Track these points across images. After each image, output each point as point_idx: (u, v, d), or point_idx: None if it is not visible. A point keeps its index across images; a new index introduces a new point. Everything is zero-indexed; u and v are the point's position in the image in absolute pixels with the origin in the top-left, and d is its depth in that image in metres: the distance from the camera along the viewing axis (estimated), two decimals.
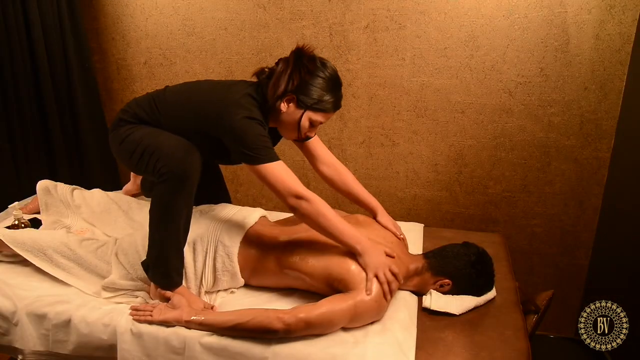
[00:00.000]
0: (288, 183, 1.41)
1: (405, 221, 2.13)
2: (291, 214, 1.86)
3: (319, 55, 1.49)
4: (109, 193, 1.99)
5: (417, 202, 2.36)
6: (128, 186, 2.12)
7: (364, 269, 1.38)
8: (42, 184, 1.94)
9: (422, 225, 2.06)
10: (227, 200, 1.88)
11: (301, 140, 1.67)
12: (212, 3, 2.32)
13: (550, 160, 2.14)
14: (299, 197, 1.40)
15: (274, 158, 1.42)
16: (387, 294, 1.37)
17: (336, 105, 1.49)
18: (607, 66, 1.97)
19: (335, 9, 2.18)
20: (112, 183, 2.52)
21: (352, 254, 1.42)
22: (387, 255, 1.45)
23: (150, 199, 1.98)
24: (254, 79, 1.55)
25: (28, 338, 1.48)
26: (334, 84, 1.47)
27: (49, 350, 1.48)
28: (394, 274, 1.39)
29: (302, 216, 1.43)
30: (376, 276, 1.37)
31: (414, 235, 1.93)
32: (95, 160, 2.51)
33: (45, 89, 2.26)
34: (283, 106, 1.46)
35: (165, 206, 1.46)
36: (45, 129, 2.32)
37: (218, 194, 1.85)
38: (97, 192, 1.98)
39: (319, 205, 1.41)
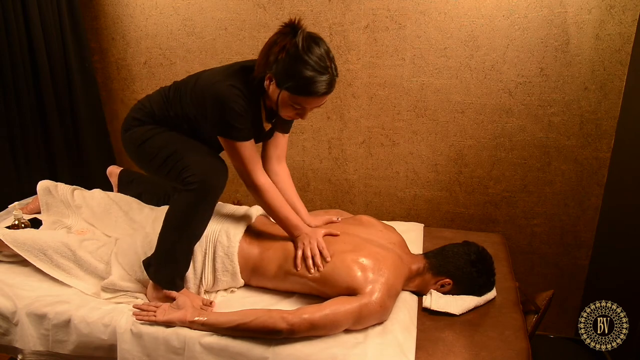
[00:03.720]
0: (245, 165, 1.48)
1: (405, 221, 2.13)
2: None
3: (313, 33, 1.37)
4: (110, 193, 1.99)
5: (417, 202, 2.36)
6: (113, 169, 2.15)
7: (295, 244, 1.50)
8: (42, 184, 1.94)
9: (422, 225, 2.06)
10: None
11: (285, 122, 1.64)
12: (212, 3, 2.32)
13: (550, 160, 2.14)
14: (251, 181, 1.51)
15: (244, 137, 1.44)
16: (308, 267, 1.46)
17: (317, 89, 1.34)
18: (607, 66, 1.97)
19: (335, 9, 2.18)
20: (111, 183, 2.52)
21: (356, 259, 1.42)
22: (330, 234, 1.53)
23: (127, 193, 2.00)
24: None
25: (28, 338, 1.48)
26: (318, 66, 1.32)
27: (49, 350, 1.48)
28: (319, 248, 1.47)
29: (253, 196, 1.55)
30: (303, 248, 1.48)
31: (414, 235, 1.93)
32: (95, 160, 2.51)
33: (45, 89, 2.26)
34: (266, 83, 1.42)
35: (186, 213, 1.46)
36: (45, 129, 2.32)
37: None
38: (97, 192, 1.98)
39: (268, 194, 1.52)
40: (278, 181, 1.71)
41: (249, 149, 1.47)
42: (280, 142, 1.70)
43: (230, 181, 2.57)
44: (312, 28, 2.22)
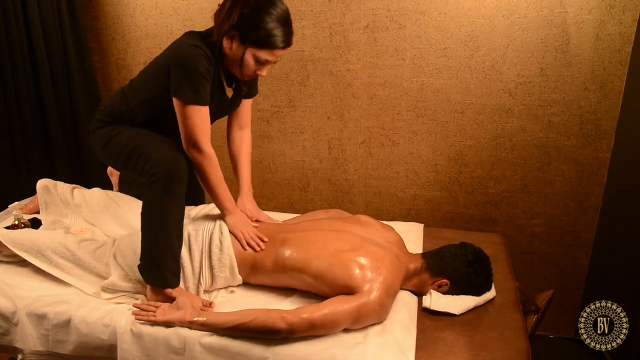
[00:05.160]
0: (196, 131, 1.46)
1: (405, 221, 2.13)
2: (292, 216, 1.87)
3: None
4: (109, 192, 2.00)
5: (417, 202, 2.36)
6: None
7: (230, 230, 1.55)
8: (42, 183, 1.94)
9: (422, 225, 2.06)
10: (200, 195, 1.90)
11: (247, 79, 1.59)
12: (212, 3, 2.31)
13: (550, 160, 2.14)
14: (197, 148, 1.48)
15: (199, 101, 1.44)
16: (253, 247, 1.53)
17: (281, 40, 1.40)
18: (607, 66, 1.97)
19: (335, 9, 2.18)
20: (111, 183, 2.52)
21: (354, 258, 1.42)
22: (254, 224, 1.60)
23: (128, 193, 2.00)
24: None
25: (28, 338, 1.48)
26: (280, 19, 1.39)
27: (49, 350, 1.48)
28: (259, 236, 1.55)
29: (194, 165, 1.52)
30: (242, 234, 1.54)
31: (414, 235, 1.93)
32: (95, 160, 2.49)
33: (45, 89, 2.26)
34: (226, 43, 1.43)
35: (156, 207, 1.46)
36: (45, 129, 2.32)
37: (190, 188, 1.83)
38: (96, 191, 1.98)
39: (210, 164, 1.51)
40: (234, 147, 1.77)
41: (202, 115, 1.47)
42: (243, 109, 1.73)
43: (231, 182, 2.58)
44: (312, 28, 2.22)
